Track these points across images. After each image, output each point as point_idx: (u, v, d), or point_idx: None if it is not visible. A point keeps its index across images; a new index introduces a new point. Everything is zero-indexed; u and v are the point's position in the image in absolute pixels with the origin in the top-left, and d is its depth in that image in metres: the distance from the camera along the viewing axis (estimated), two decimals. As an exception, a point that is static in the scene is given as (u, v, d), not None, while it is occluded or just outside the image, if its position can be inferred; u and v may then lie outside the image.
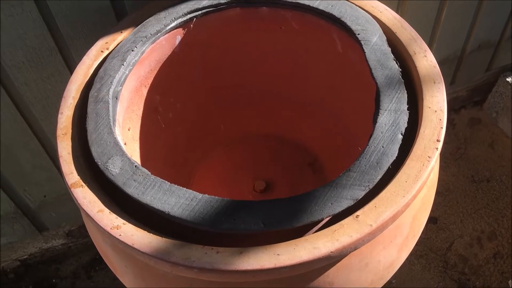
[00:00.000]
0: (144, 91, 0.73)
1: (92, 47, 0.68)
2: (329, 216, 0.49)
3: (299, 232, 0.52)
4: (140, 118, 0.74)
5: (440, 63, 1.21)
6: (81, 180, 0.55)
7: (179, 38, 0.72)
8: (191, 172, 0.87)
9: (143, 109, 0.74)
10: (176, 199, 0.52)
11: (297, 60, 0.80)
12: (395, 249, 0.56)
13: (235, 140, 0.90)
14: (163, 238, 0.50)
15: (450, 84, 1.30)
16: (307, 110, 0.86)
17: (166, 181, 0.53)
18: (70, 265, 1.22)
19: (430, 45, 1.13)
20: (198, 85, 0.82)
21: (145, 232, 0.50)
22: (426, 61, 0.62)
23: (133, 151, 0.72)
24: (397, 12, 1.02)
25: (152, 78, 0.74)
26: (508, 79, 1.32)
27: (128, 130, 0.71)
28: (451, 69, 1.25)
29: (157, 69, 0.73)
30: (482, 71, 1.31)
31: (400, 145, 0.54)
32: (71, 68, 0.82)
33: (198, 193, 0.52)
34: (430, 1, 1.02)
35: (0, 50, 0.74)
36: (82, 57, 0.68)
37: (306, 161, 0.87)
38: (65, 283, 1.19)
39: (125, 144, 0.68)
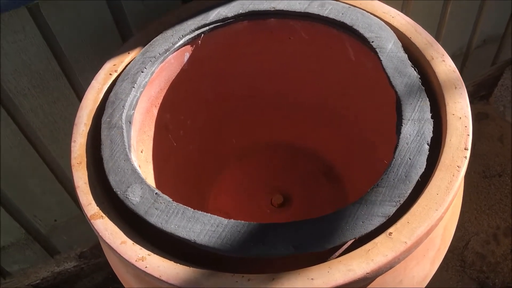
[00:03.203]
0: (155, 111, 0.72)
1: (100, 70, 0.66)
2: (361, 235, 0.48)
3: (329, 251, 0.50)
4: (151, 139, 0.72)
5: (446, 60, 1.20)
6: (100, 211, 0.53)
7: (187, 55, 0.71)
8: (206, 189, 0.85)
9: (154, 129, 0.72)
10: (201, 226, 0.50)
11: (308, 68, 0.78)
12: (428, 262, 0.54)
13: (248, 152, 0.89)
14: (191, 268, 0.48)
15: (456, 80, 1.29)
16: (320, 118, 0.84)
17: (189, 208, 0.52)
18: (83, 286, 1.21)
19: (435, 43, 1.12)
20: (207, 100, 0.80)
21: (172, 262, 0.49)
22: (444, 66, 0.60)
23: (147, 174, 0.70)
24: (401, 10, 1.01)
25: (161, 98, 0.72)
26: (515, 72, 1.31)
27: (141, 152, 0.69)
28: (457, 66, 1.23)
29: (167, 87, 0.72)
30: (487, 66, 1.30)
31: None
32: (77, 91, 0.80)
33: (223, 219, 0.50)
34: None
35: (5, 78, 0.73)
36: (90, 81, 0.66)
37: (321, 170, 0.85)
38: (79, 305, 1.18)
39: (139, 166, 0.67)
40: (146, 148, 0.71)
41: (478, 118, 1.40)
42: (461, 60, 1.23)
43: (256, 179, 0.87)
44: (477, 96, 1.41)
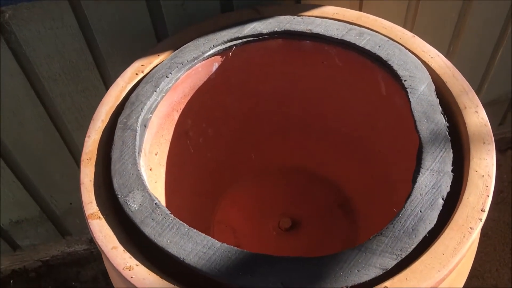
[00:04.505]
0: (176, 116, 0.71)
1: (128, 68, 0.67)
2: (354, 284, 0.46)
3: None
4: (168, 143, 0.72)
5: (491, 103, 1.15)
6: (99, 212, 0.53)
7: (216, 65, 0.70)
8: (216, 200, 0.84)
9: (172, 133, 0.72)
10: (193, 245, 0.49)
11: (338, 95, 0.76)
12: (424, 322, 0.51)
13: (265, 171, 0.87)
14: (176, 287, 0.47)
15: (499, 124, 1.23)
16: (343, 148, 0.82)
17: (185, 224, 0.51)
18: (90, 270, 1.22)
19: (481, 86, 1.07)
20: (232, 112, 0.79)
21: (158, 277, 0.48)
22: (476, 118, 0.57)
23: (159, 177, 0.70)
24: (449, 47, 0.97)
25: (185, 103, 0.71)
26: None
27: (156, 155, 0.69)
28: (502, 110, 1.18)
29: (191, 94, 0.71)
30: (534, 114, 1.24)
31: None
32: (106, 83, 0.81)
33: (216, 241, 0.49)
34: (486, 40, 0.97)
35: (37, 61, 0.74)
36: (117, 78, 0.66)
37: (337, 202, 0.83)
38: (84, 287, 1.19)
39: (150, 169, 0.67)
40: (162, 151, 0.71)
41: (516, 167, 1.33)
42: (507, 105, 1.17)
43: (268, 199, 0.85)
44: (518, 144, 1.35)
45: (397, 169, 0.73)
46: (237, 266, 0.47)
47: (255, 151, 0.86)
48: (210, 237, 0.49)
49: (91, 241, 1.17)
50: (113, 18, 0.73)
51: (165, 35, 0.77)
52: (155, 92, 0.62)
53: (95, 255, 1.22)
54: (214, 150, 0.81)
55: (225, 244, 0.49)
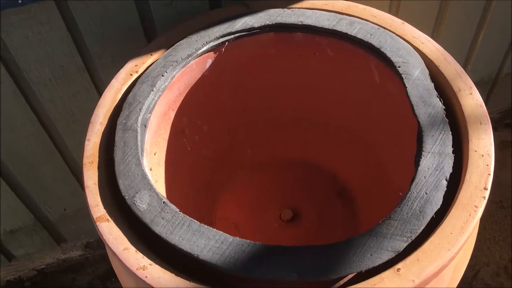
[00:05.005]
0: (172, 114, 0.71)
1: (121, 69, 0.66)
2: (368, 268, 0.46)
3: (332, 281, 0.49)
4: (166, 142, 0.72)
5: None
6: (107, 214, 0.53)
7: (209, 61, 0.70)
8: (215, 196, 0.85)
9: (169, 132, 0.72)
10: (205, 241, 0.49)
11: (331, 86, 0.77)
12: (434, 301, 0.53)
13: (262, 164, 0.88)
14: (191, 283, 0.47)
15: (481, 106, 1.26)
16: (338, 138, 0.83)
17: (195, 220, 0.51)
18: (86, 275, 1.21)
19: (464, 67, 1.09)
20: (226, 108, 0.80)
21: (173, 275, 0.48)
22: (471, 99, 0.58)
23: (159, 176, 0.70)
24: (432, 33, 0.99)
25: (180, 101, 0.71)
26: (543, 103, 1.27)
27: (154, 154, 0.69)
28: (485, 92, 1.21)
29: (186, 92, 0.71)
30: (516, 94, 1.27)
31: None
32: (97, 86, 0.80)
33: (228, 236, 0.49)
34: (467, 25, 0.99)
35: (27, 67, 0.73)
36: (110, 79, 0.66)
37: (334, 191, 0.84)
38: (81, 293, 1.18)
39: (150, 169, 0.66)
40: (160, 151, 0.70)
41: (501, 146, 1.36)
42: (489, 87, 1.20)
43: (267, 192, 0.86)
44: (501, 124, 1.38)
45: (392, 156, 0.75)
46: (252, 259, 0.48)
47: (251, 145, 0.86)
48: (222, 232, 0.49)
49: (86, 246, 1.16)
50: (101, 19, 0.72)
51: (154, 34, 0.77)
52: (152, 92, 0.62)
53: (90, 260, 1.21)
54: (210, 147, 0.81)
55: (238, 238, 0.49)
